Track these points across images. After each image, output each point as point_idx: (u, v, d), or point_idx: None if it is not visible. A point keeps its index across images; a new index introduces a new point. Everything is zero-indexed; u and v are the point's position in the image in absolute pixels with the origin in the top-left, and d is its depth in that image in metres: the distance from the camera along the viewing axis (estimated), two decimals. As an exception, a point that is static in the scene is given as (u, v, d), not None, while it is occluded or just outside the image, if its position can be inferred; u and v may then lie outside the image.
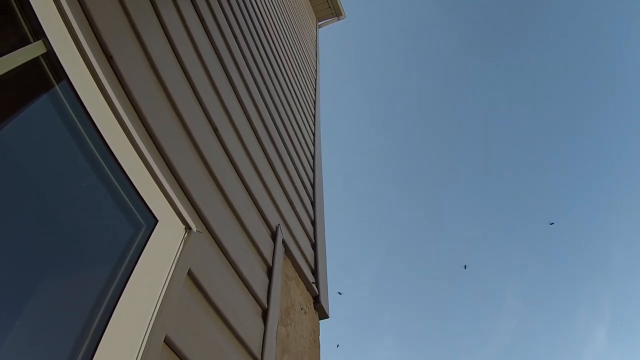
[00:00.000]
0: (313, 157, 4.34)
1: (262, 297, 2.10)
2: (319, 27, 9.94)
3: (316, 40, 8.48)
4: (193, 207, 1.82)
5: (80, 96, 1.40)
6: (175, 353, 1.39)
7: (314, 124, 4.98)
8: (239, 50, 3.31)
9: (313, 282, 2.81)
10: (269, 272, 2.31)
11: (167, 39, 2.22)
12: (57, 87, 1.36)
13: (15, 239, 1.17)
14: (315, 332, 2.63)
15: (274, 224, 2.60)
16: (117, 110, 1.51)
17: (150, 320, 1.32)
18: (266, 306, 2.10)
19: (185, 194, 1.80)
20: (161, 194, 1.58)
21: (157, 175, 1.58)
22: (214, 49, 2.83)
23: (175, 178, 1.79)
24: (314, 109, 5.36)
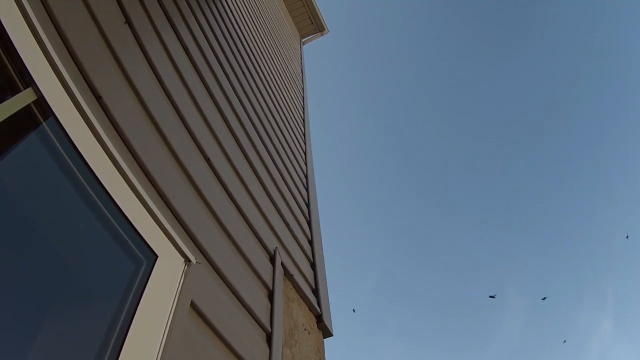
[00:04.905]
0: (306, 176, 4.36)
1: (265, 321, 2.11)
2: (303, 44, 10.03)
3: (301, 57, 8.55)
4: (191, 238, 1.84)
5: (72, 138, 1.42)
6: (184, 387, 1.40)
7: (305, 143, 5.01)
8: (224, 76, 3.35)
9: (313, 295, 2.82)
10: (270, 295, 2.32)
11: (154, 72, 2.25)
12: (49, 132, 1.39)
13: (16, 283, 1.18)
14: (321, 351, 2.63)
15: (271, 248, 2.62)
16: (109, 149, 1.53)
17: (158, 355, 1.33)
18: (270, 330, 2.10)
19: (182, 227, 1.82)
20: (158, 229, 1.60)
21: (153, 211, 1.60)
22: (200, 77, 2.86)
23: (171, 211, 1.80)
24: (304, 127, 5.39)
